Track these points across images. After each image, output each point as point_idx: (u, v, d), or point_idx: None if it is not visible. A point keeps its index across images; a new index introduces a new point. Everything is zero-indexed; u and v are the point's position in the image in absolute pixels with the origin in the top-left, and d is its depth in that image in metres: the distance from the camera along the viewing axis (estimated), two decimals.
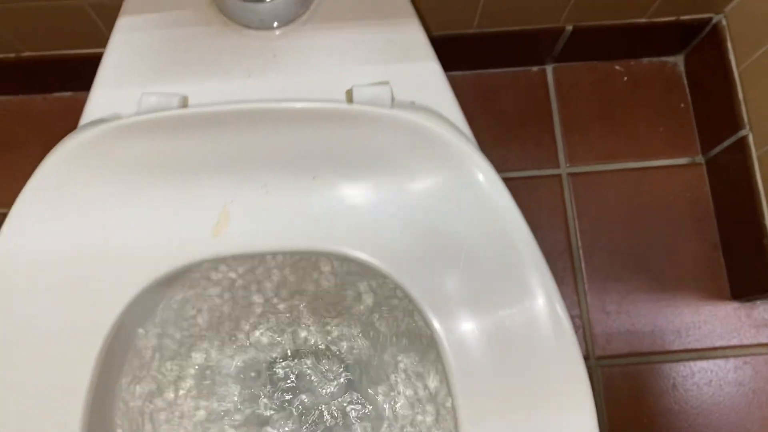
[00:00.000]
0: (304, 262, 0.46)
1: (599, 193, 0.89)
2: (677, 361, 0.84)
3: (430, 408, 0.47)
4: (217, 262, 0.42)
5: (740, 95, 0.81)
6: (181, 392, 0.49)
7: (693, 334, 0.85)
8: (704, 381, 0.84)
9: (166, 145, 0.40)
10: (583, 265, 0.87)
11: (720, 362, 0.84)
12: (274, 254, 0.42)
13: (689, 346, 0.84)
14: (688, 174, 0.90)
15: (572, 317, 0.82)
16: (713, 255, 0.87)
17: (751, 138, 0.80)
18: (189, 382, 0.50)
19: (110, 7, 0.72)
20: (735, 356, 0.84)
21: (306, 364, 0.53)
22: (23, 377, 0.39)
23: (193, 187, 0.40)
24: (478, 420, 0.38)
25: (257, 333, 0.52)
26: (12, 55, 0.81)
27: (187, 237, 0.40)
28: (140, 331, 0.45)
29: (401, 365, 0.49)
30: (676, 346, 0.84)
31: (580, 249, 0.87)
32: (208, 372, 0.51)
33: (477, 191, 0.39)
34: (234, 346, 0.52)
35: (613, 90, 0.92)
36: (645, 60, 0.93)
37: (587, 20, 0.83)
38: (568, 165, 0.90)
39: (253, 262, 0.44)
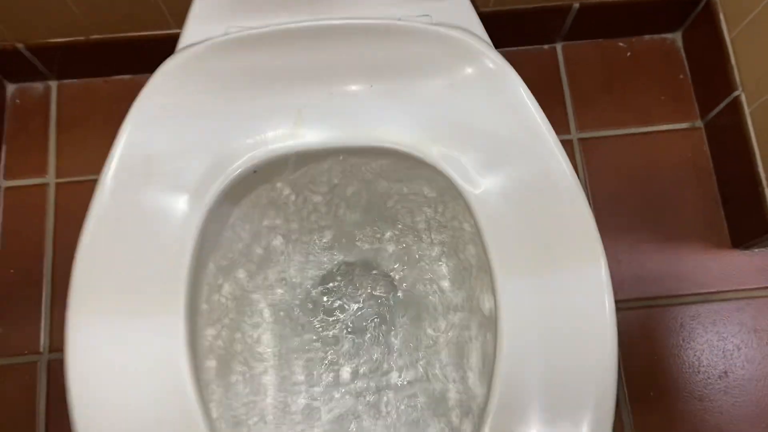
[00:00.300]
0: (358, 166, 0.55)
1: (607, 156, 0.98)
2: (683, 304, 0.92)
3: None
4: (291, 158, 0.51)
5: (732, 60, 0.90)
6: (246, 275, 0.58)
7: (697, 279, 0.93)
8: (709, 321, 0.91)
9: (249, 60, 0.50)
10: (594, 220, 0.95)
11: (723, 304, 0.92)
12: (338, 151, 0.51)
13: (694, 291, 0.92)
14: (689, 137, 0.99)
15: None
16: (714, 208, 0.96)
17: (743, 97, 0.89)
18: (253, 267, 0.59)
19: None
20: (736, 299, 0.92)
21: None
22: (140, 250, 0.48)
23: (273, 95, 0.50)
24: (508, 275, 0.46)
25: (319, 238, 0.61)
26: (82, 38, 0.91)
27: (272, 136, 0.49)
28: (231, 219, 0.54)
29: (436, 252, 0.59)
30: (681, 291, 0.92)
31: (591, 205, 0.95)
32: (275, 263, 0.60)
33: (504, 88, 0.48)
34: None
35: (618, 64, 1.02)
36: (646, 37, 1.02)
37: None
38: (578, 131, 0.99)
39: (317, 166, 0.53)
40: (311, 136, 0.49)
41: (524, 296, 0.47)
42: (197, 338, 0.48)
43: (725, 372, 0.89)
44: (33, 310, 0.91)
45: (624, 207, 0.96)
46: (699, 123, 0.99)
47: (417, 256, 0.63)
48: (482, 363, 0.54)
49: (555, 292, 0.47)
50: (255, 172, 0.56)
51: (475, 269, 0.55)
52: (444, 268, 0.61)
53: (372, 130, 0.48)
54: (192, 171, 0.49)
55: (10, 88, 1.00)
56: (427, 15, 0.51)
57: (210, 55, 0.50)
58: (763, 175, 0.86)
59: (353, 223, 0.63)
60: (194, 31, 0.53)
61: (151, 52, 0.93)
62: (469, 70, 0.50)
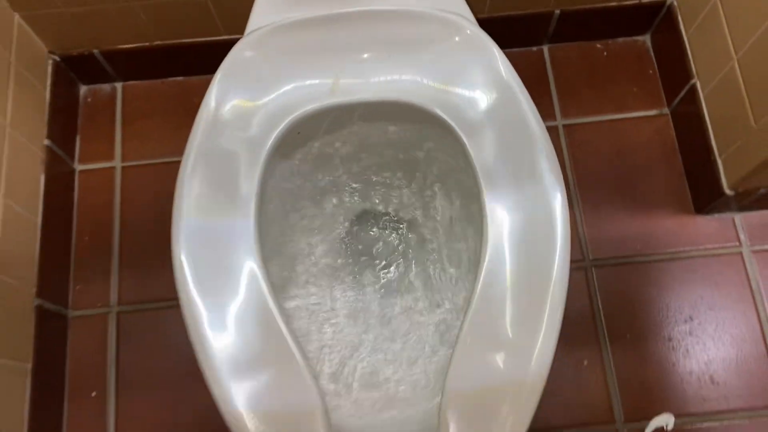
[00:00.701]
0: (380, 127, 0.72)
1: (588, 139, 1.15)
2: (655, 261, 1.08)
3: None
4: (333, 110, 0.68)
5: (689, 54, 1.07)
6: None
7: (666, 240, 1.09)
8: (677, 275, 1.07)
9: (300, 39, 0.67)
10: (578, 193, 1.12)
11: (688, 261, 1.08)
12: (368, 104, 0.68)
13: (663, 250, 1.08)
14: (657, 122, 1.15)
15: (571, 235, 1.07)
16: (679, 181, 1.12)
17: (698, 84, 1.06)
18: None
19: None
20: (699, 256, 1.08)
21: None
22: (222, 176, 0.65)
23: (317, 64, 0.67)
24: (491, 187, 0.63)
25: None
26: (147, 43, 1.10)
27: (317, 93, 0.66)
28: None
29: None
30: (653, 250, 1.08)
31: (575, 180, 1.12)
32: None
33: (482, 48, 0.66)
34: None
35: (596, 62, 1.19)
36: (620, 39, 1.20)
37: (570, 5, 1.10)
38: (562, 119, 1.16)
39: (351, 127, 0.71)
40: (345, 96, 0.66)
41: (503, 207, 0.63)
42: (263, 237, 0.64)
43: (690, 317, 1.05)
44: (104, 271, 1.09)
45: (603, 182, 1.13)
46: (666, 110, 1.16)
47: (424, 197, 0.80)
48: (468, 265, 0.71)
49: (525, 203, 0.63)
50: (299, 133, 0.74)
51: (463, 197, 0.73)
52: (438, 201, 0.78)
53: (390, 89, 0.66)
54: (257, 124, 0.66)
55: (83, 89, 1.19)
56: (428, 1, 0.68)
57: (273, 34, 0.68)
58: (715, 147, 1.02)
59: (375, 174, 0.81)
60: (258, 20, 0.70)
61: (203, 56, 1.13)
62: (457, 38, 0.67)
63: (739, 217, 1.09)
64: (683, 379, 1.02)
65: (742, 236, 1.09)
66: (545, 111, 1.16)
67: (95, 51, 1.10)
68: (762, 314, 1.04)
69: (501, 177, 0.64)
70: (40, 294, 0.98)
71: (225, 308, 0.60)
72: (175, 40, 1.10)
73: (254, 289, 0.61)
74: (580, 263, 1.08)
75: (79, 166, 1.15)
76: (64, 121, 1.12)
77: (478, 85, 0.66)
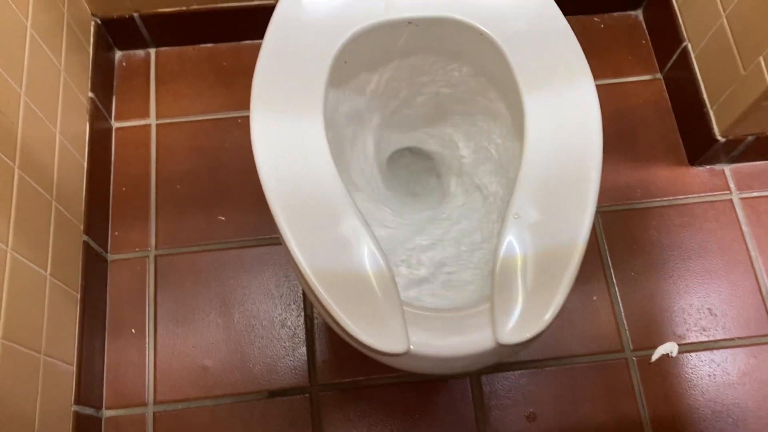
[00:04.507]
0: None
1: None
2: (654, 207, 1.18)
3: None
4: (387, 27, 0.77)
5: (680, 20, 1.19)
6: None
7: (664, 189, 1.19)
8: (674, 218, 1.17)
9: None
10: None
11: (684, 207, 1.18)
12: (418, 22, 0.76)
13: (662, 197, 1.18)
14: (652, 86, 1.27)
15: None
16: (674, 137, 1.23)
17: (689, 46, 1.17)
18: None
19: None
20: (695, 203, 1.18)
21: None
22: (292, 80, 0.73)
23: None
24: (532, 90, 0.72)
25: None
26: (184, 8, 1.19)
27: (375, 12, 0.75)
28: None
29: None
30: (652, 197, 1.18)
31: None
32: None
33: None
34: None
35: (595, 34, 1.31)
36: (615, 13, 1.32)
37: None
38: None
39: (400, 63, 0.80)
40: (397, 11, 0.75)
41: (542, 107, 0.72)
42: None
43: (688, 256, 1.14)
44: (142, 217, 1.15)
45: (605, 139, 1.22)
46: (659, 75, 1.27)
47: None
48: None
49: (562, 104, 0.72)
50: (345, 62, 0.82)
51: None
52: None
53: (441, 7, 0.76)
54: (322, 44, 0.75)
55: (118, 54, 1.27)
56: None
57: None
58: (707, 99, 1.13)
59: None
60: None
61: (233, 22, 1.21)
62: None
63: (728, 168, 1.20)
64: (685, 311, 1.11)
65: (731, 185, 1.19)
66: None
67: (135, 14, 1.18)
68: (752, 253, 1.14)
69: (539, 80, 0.73)
70: (87, 231, 1.04)
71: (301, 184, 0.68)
72: (211, 5, 1.19)
73: (326, 170, 0.69)
74: None
75: (115, 124, 1.22)
76: (103, 81, 1.19)
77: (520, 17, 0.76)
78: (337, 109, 0.85)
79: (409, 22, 0.77)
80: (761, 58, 0.99)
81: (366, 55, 0.82)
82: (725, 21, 1.06)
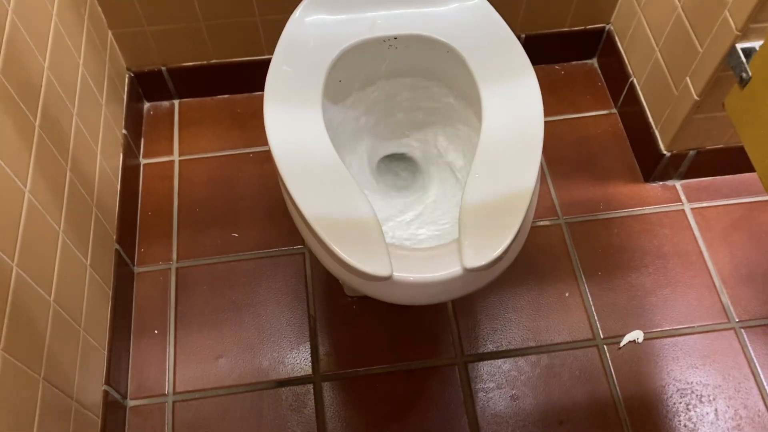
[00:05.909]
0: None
1: (553, 133, 1.44)
2: (613, 218, 1.33)
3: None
4: (371, 44, 0.96)
5: (626, 60, 1.40)
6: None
7: (622, 203, 1.35)
8: (633, 228, 1.32)
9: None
10: (549, 169, 1.39)
11: (640, 217, 1.34)
12: (396, 38, 0.96)
13: (622, 209, 1.34)
14: (608, 119, 1.46)
15: (546, 200, 1.34)
16: (630, 160, 1.40)
17: (635, 80, 1.37)
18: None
19: (274, 21, 1.32)
20: (649, 213, 1.34)
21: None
22: (296, 80, 0.92)
23: (363, 15, 0.96)
24: (486, 83, 0.90)
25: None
26: (205, 61, 1.40)
27: (360, 31, 0.95)
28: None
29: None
30: (612, 209, 1.34)
31: (545, 165, 1.40)
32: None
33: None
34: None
35: (557, 80, 1.52)
36: (573, 62, 1.54)
37: (532, 30, 1.43)
38: None
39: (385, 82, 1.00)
40: (380, 31, 0.96)
41: (495, 93, 0.91)
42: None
43: (648, 259, 1.29)
44: (165, 236, 1.31)
45: (568, 163, 1.40)
46: (614, 110, 1.47)
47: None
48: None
49: (510, 94, 0.91)
50: (340, 81, 1.02)
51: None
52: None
53: (414, 27, 0.96)
54: (319, 55, 0.95)
55: (146, 105, 1.47)
56: None
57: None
58: (652, 121, 1.32)
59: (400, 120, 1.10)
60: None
61: (246, 74, 1.43)
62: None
63: (678, 184, 1.37)
64: (648, 303, 1.24)
65: (683, 197, 1.36)
66: None
67: (162, 68, 1.39)
68: (705, 253, 1.29)
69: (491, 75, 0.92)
70: (119, 241, 1.20)
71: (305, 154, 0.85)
72: (228, 59, 1.40)
73: (323, 144, 0.86)
74: (555, 220, 1.33)
75: (143, 161, 1.40)
76: (134, 124, 1.39)
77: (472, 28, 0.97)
78: (332, 121, 1.04)
79: (390, 45, 0.97)
80: (688, 79, 1.18)
81: (356, 71, 1.01)
82: (659, 54, 1.26)
